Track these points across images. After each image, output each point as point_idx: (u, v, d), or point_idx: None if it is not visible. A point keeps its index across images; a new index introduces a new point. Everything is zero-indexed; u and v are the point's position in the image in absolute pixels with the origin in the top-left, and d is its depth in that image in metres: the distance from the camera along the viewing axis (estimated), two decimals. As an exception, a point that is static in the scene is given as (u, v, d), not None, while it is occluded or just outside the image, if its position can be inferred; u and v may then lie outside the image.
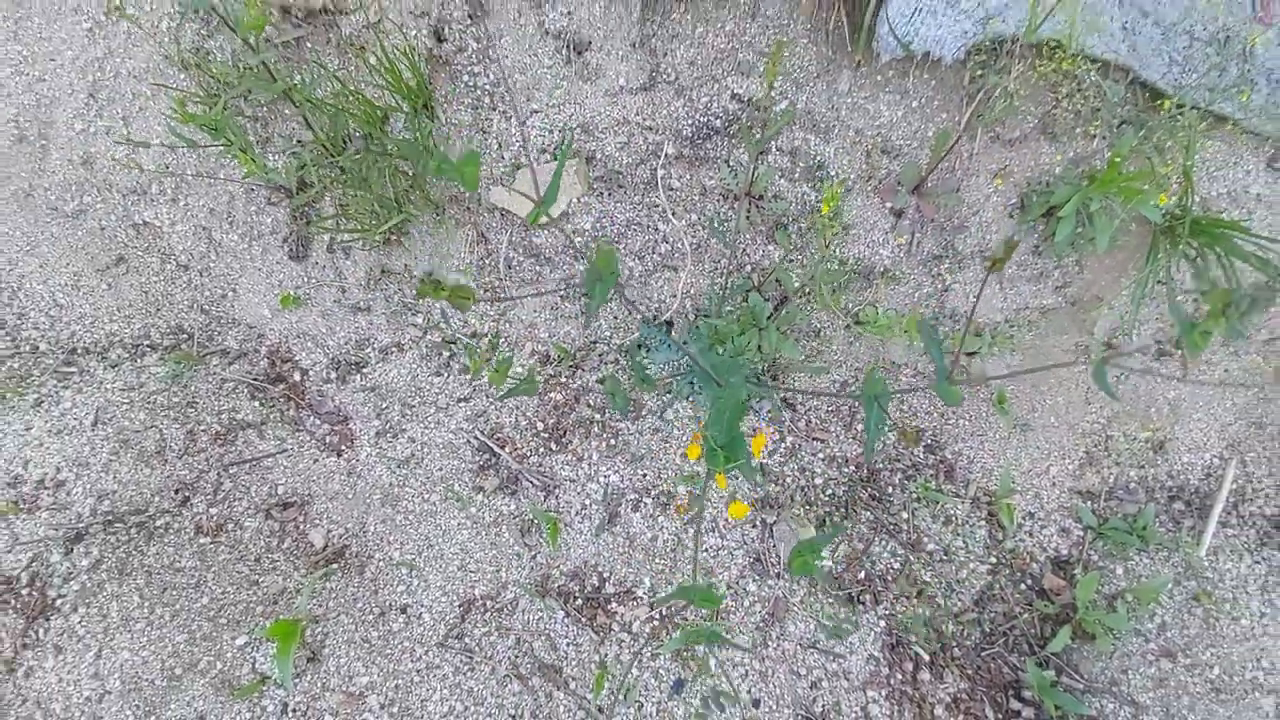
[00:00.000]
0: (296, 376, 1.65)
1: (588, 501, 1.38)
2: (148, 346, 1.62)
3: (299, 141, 1.56)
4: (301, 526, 1.44)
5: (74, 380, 1.52)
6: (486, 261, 1.63)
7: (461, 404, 1.57)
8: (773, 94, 1.38)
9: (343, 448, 1.54)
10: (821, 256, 1.40)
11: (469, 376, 1.60)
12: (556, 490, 1.41)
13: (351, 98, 1.40)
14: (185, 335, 1.65)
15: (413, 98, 1.43)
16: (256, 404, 1.58)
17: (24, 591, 1.24)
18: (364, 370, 1.64)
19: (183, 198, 1.62)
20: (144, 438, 1.43)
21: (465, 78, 1.49)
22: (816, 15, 1.35)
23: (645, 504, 1.37)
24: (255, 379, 1.62)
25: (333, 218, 1.60)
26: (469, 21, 1.43)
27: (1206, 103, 1.31)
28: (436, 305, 1.65)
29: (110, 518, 1.33)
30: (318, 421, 1.60)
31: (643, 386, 1.35)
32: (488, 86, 1.47)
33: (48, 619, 1.22)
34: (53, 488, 1.36)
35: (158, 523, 1.34)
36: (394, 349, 1.66)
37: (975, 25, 1.25)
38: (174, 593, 1.26)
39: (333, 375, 1.64)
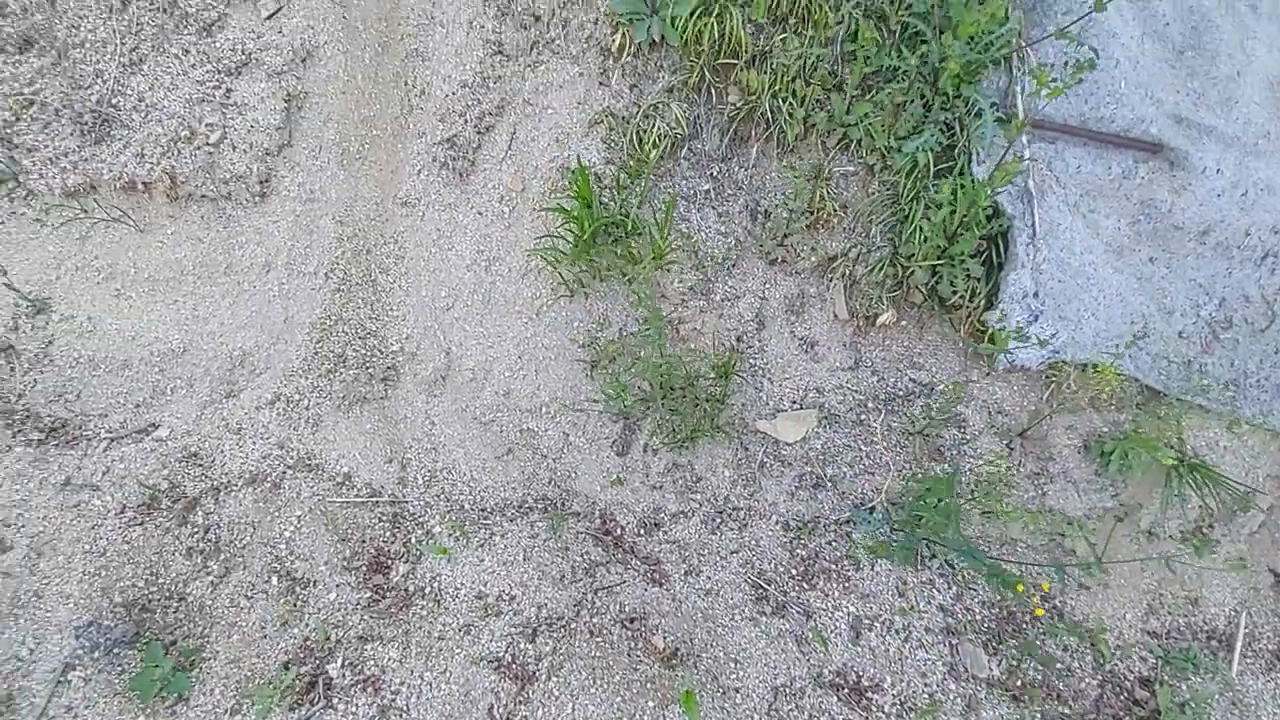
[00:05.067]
0: (619, 531, 2.50)
1: (840, 623, 2.15)
2: (529, 508, 2.49)
3: (640, 389, 2.56)
4: (646, 634, 2.19)
5: (495, 529, 2.37)
6: (743, 463, 2.56)
7: (734, 555, 2.40)
8: (952, 390, 2.41)
9: (662, 581, 2.35)
10: (991, 479, 2.33)
11: (734, 535, 2.46)
12: (813, 615, 2.19)
13: (678, 366, 2.43)
14: (550, 501, 2.53)
15: (720, 370, 2.46)
16: (600, 549, 2.41)
17: (511, 666, 1.98)
18: (661, 529, 2.50)
19: (558, 416, 2.59)
20: (551, 568, 2.25)
21: (749, 361, 2.53)
22: (964, 343, 2.42)
23: (877, 625, 2.14)
24: (595, 532, 2.47)
25: (650, 433, 2.56)
26: (754, 334, 2.52)
27: (1187, 396, 2.32)
28: (711, 486, 2.55)
29: (550, 619, 2.10)
30: (638, 562, 2.42)
31: (874, 551, 2.21)
32: (762, 365, 2.52)
33: (532, 684, 1.95)
34: (508, 600, 2.15)
35: (571, 626, 2.11)
36: (681, 515, 2.53)
37: (1047, 354, 2.31)
38: (601, 671, 2.00)
39: (641, 531, 2.50)
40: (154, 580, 2.24)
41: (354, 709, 1.92)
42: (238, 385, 2.63)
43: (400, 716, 1.92)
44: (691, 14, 2.28)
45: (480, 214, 2.62)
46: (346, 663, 2.02)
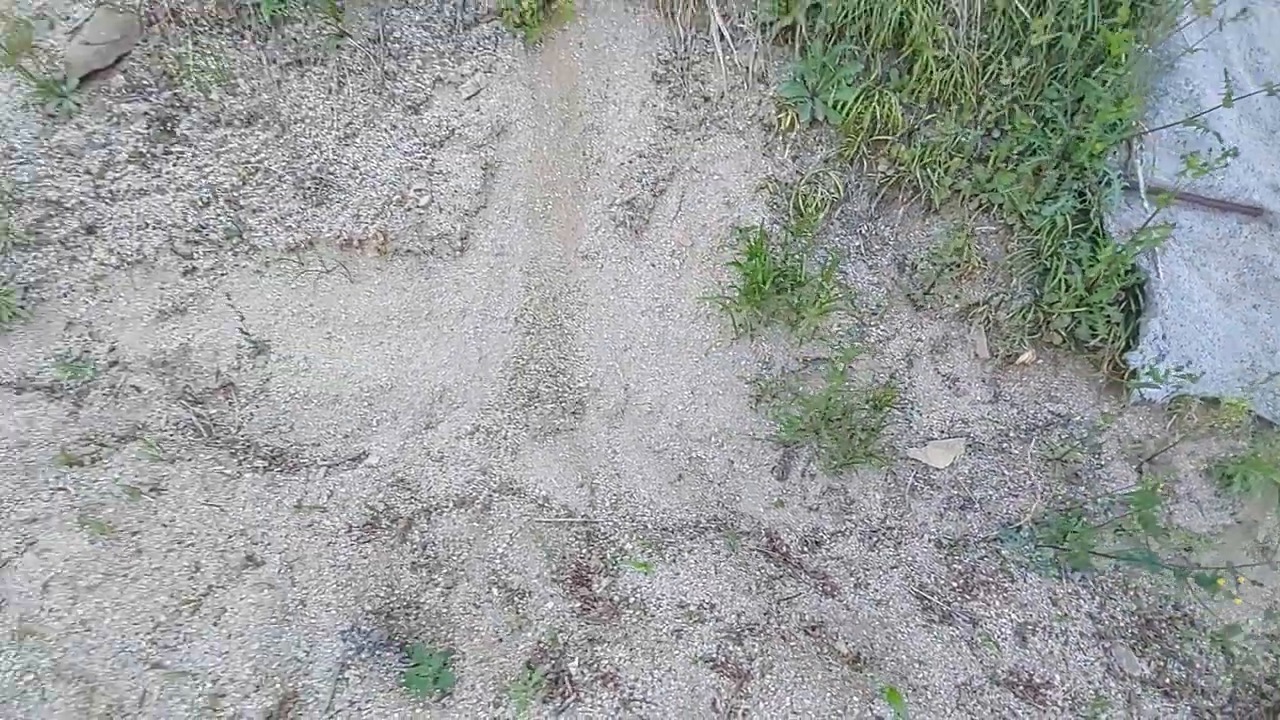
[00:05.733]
0: (784, 549, 2.79)
1: (1005, 628, 2.43)
2: (703, 528, 2.78)
3: (801, 420, 2.87)
4: (828, 640, 2.46)
5: (681, 547, 2.66)
6: (893, 487, 2.85)
7: (894, 570, 2.68)
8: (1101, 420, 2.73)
9: (834, 593, 2.63)
10: (1144, 510, 2.63)
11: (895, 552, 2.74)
12: (979, 622, 2.47)
13: (837, 400, 2.75)
14: (720, 522, 2.82)
15: (876, 403, 2.78)
16: (772, 564, 2.70)
17: (726, 665, 2.25)
18: (823, 546, 2.78)
19: (724, 445, 2.89)
20: (739, 581, 2.53)
21: (899, 395, 2.84)
22: (1098, 378, 2.75)
23: (1039, 630, 2.42)
24: (764, 549, 2.75)
25: (808, 460, 2.87)
26: (904, 371, 2.84)
27: (1292, 424, 2.63)
28: (864, 507, 2.84)
29: (749, 625, 2.38)
30: (808, 576, 2.70)
31: (1028, 565, 2.50)
32: (911, 399, 2.84)
33: (749, 681, 2.22)
34: (709, 608, 2.43)
35: (767, 631, 2.39)
36: (839, 534, 2.81)
37: (1169, 389, 2.63)
38: (805, 671, 2.27)
39: (804, 548, 2.78)
40: (391, 591, 2.53)
41: (599, 702, 2.19)
42: (436, 418, 2.95)
43: (640, 708, 2.18)
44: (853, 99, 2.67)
45: (653, 266, 2.98)
46: (582, 662, 2.30)
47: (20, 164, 3.09)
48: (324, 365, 2.99)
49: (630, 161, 2.99)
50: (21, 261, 3.04)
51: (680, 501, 2.85)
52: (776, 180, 2.84)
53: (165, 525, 2.56)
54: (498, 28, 3.05)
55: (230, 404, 3.01)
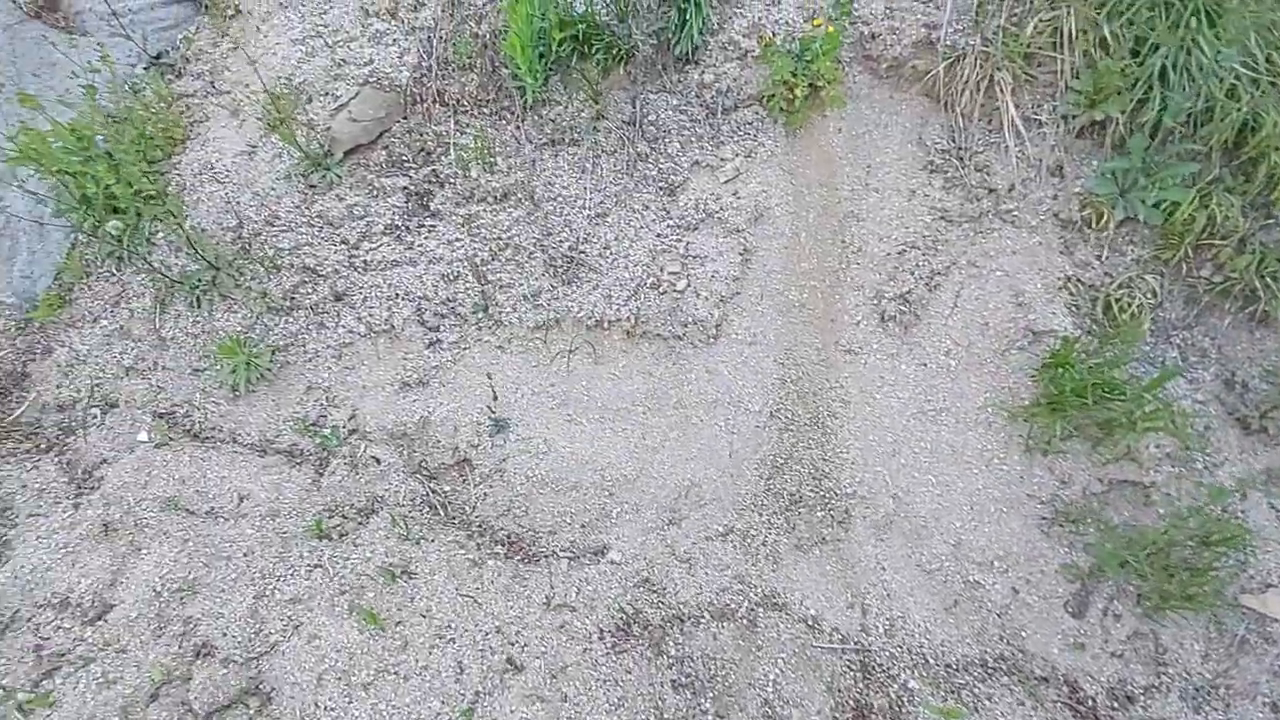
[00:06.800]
0: (1090, 702, 2.41)
1: None
2: (991, 668, 2.45)
3: (1107, 548, 2.54)
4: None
5: (974, 691, 2.34)
6: (1216, 637, 2.46)
7: (1236, 745, 2.27)
8: None
9: (1168, 768, 2.24)
10: None
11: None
12: None
13: (1154, 534, 2.41)
14: (1008, 661, 2.49)
15: (1205, 540, 2.42)
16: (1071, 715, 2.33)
17: None
18: (1135, 703, 2.40)
19: (1009, 571, 2.57)
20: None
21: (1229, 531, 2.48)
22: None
23: None
24: (1067, 700, 2.39)
25: (1110, 596, 2.51)
26: (1234, 504, 2.49)
27: None
28: (1180, 659, 2.45)
29: None
30: (1128, 743, 2.32)
31: None
32: (1246, 537, 2.47)
33: None
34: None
35: None
36: (1154, 690, 2.42)
37: None
38: None
39: (1113, 704, 2.40)
40: (660, 716, 2.30)
41: None
42: (679, 514, 2.77)
43: None
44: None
45: (924, 365, 2.76)
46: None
47: (283, 231, 3.20)
48: (564, 449, 2.87)
49: (900, 252, 2.82)
50: (273, 325, 3.10)
51: (959, 633, 2.53)
52: (1079, 281, 2.60)
53: (424, 616, 2.44)
54: (758, 113, 3.00)
55: (464, 481, 2.92)
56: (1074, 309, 2.59)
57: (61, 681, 2.17)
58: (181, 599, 2.40)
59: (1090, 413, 2.48)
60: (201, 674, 2.20)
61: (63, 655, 2.24)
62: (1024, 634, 2.54)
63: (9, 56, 3.75)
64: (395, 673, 2.26)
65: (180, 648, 2.26)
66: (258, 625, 2.36)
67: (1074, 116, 2.60)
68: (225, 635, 2.33)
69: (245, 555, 2.54)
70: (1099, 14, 2.60)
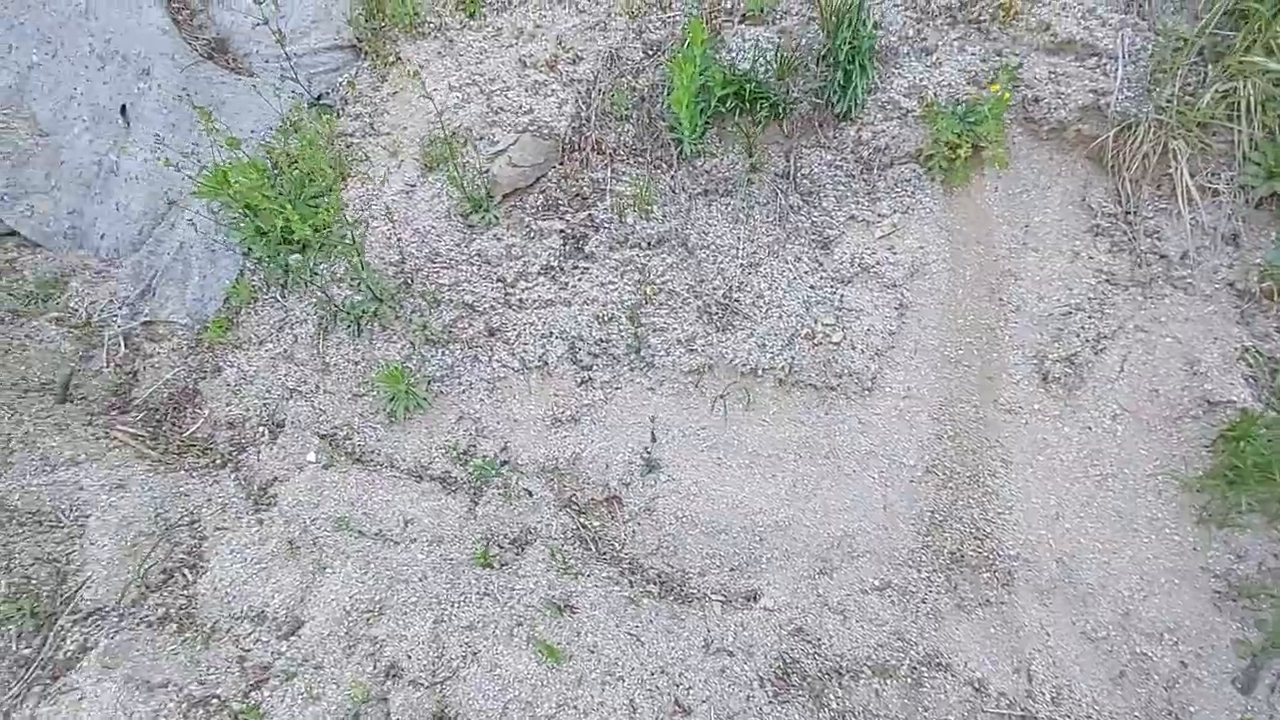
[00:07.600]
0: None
1: None
2: (1166, 746, 2.40)
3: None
4: None
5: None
6: None
7: None
8: None
9: None
10: None
11: None
12: None
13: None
14: (1183, 742, 2.43)
15: None
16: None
17: None
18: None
19: (1178, 645, 2.52)
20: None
21: None
22: None
23: None
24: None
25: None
26: None
27: None
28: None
29: None
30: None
31: None
32: None
33: None
34: None
35: None
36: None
37: None
38: None
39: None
40: (829, 770, 2.32)
41: None
42: (831, 564, 2.79)
43: None
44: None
45: (1089, 429, 2.75)
46: None
47: (444, 268, 3.37)
48: (714, 491, 2.93)
49: (1064, 314, 2.82)
50: (430, 356, 3.26)
51: (1126, 705, 2.48)
52: (1258, 353, 2.56)
53: (592, 651, 2.51)
54: (915, 170, 3.06)
55: (613, 518, 3.01)
56: (1252, 381, 2.56)
57: (269, 694, 2.30)
58: (368, 619, 2.52)
59: (1271, 488, 2.43)
60: (398, 696, 2.31)
61: (266, 668, 2.38)
62: (1191, 709, 2.47)
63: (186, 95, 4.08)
64: (575, 707, 2.33)
65: (374, 668, 2.38)
66: (439, 650, 2.46)
67: (1253, 187, 2.59)
68: (410, 658, 2.44)
69: (420, 580, 2.66)
70: (1278, 88, 2.60)
